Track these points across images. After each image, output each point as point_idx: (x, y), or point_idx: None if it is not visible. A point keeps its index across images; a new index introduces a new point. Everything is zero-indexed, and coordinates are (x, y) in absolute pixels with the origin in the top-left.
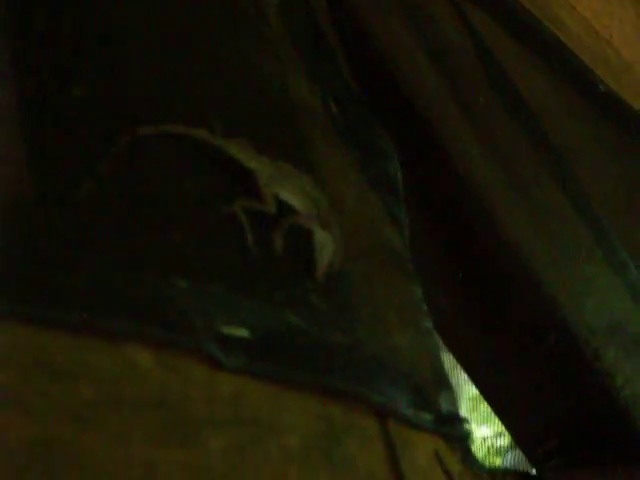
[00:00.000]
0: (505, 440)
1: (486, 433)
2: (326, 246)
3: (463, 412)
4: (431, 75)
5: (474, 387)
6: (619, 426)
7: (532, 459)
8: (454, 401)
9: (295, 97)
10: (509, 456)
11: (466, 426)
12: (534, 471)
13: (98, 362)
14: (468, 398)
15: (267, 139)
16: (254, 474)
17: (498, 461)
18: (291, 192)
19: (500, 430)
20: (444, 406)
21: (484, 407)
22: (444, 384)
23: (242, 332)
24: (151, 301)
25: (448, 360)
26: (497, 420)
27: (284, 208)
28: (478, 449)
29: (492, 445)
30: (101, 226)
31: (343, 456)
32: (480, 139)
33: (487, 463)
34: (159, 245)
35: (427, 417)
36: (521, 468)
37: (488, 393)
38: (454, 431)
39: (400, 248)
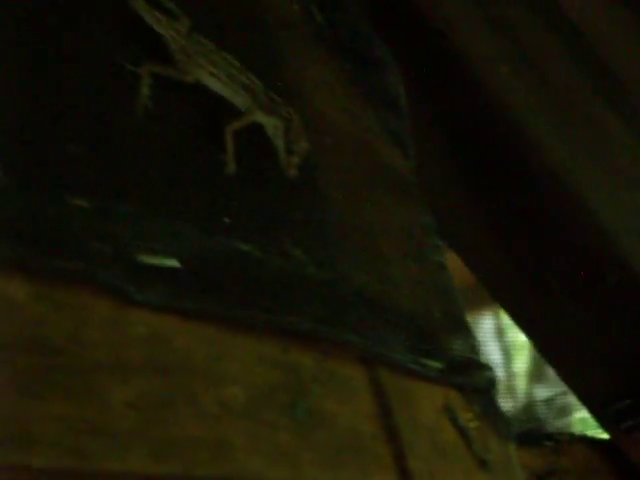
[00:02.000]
0: (570, 400)
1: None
2: (278, 134)
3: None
4: None
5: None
6: None
7: (601, 421)
8: (472, 345)
9: (265, 1)
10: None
11: (487, 375)
12: (604, 435)
13: None
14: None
15: (230, 40)
16: (175, 434)
17: (562, 424)
18: (210, 73)
19: (564, 389)
20: (458, 352)
21: (542, 363)
22: (458, 326)
23: (168, 261)
24: (33, 221)
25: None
26: (559, 378)
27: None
28: (538, 410)
29: (555, 406)
30: None
31: (313, 411)
32: (511, 55)
33: (550, 427)
34: (55, 155)
35: (434, 365)
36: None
37: (546, 348)
38: (470, 381)
39: (401, 169)
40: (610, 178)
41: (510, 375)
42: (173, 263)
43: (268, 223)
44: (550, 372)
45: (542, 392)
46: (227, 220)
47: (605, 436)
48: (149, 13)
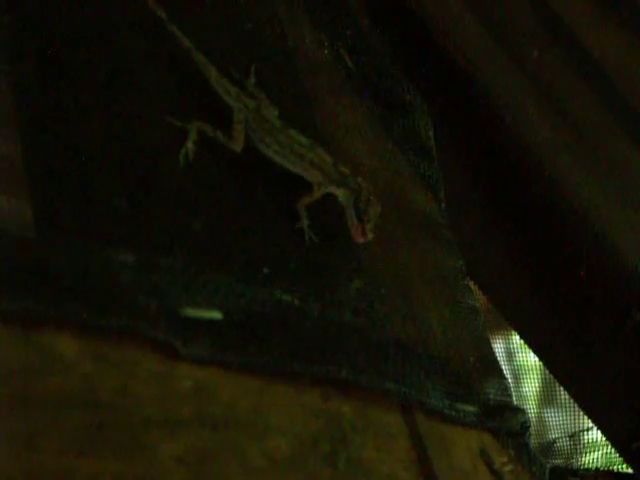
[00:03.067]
0: (594, 436)
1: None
2: (349, 204)
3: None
4: (474, 23)
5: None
6: None
7: (626, 456)
8: (505, 389)
9: (295, 46)
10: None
11: (521, 418)
12: (629, 469)
13: (2, 353)
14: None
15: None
16: None
17: (586, 459)
18: (275, 152)
19: (588, 425)
20: (492, 395)
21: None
22: (492, 369)
23: (211, 314)
24: (80, 277)
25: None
26: (583, 413)
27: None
28: (561, 446)
29: (579, 442)
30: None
31: (354, 460)
32: (536, 94)
33: (575, 462)
34: (99, 209)
35: (469, 409)
36: (614, 467)
37: (571, 384)
38: (505, 425)
39: (433, 213)
40: (635, 215)
41: (520, 398)
42: (216, 315)
43: (306, 271)
44: (561, 395)
45: (552, 415)
46: (266, 270)
47: (630, 471)
48: (220, 84)
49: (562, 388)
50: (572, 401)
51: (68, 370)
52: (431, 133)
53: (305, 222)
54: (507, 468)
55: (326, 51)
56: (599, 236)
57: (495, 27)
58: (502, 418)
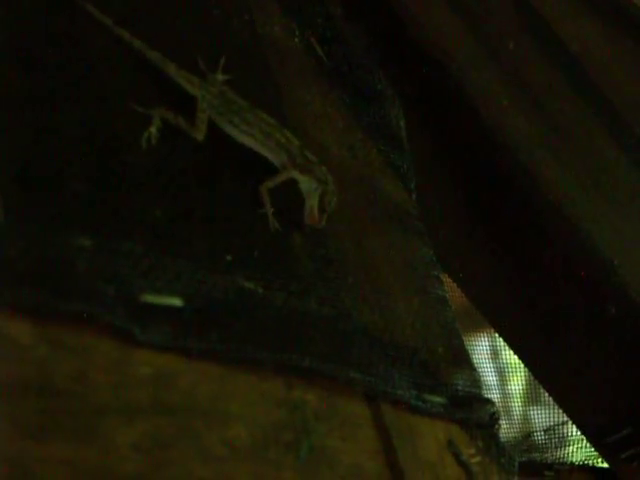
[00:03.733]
0: (569, 430)
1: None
2: (312, 194)
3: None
4: (448, 13)
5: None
6: None
7: (601, 451)
8: (475, 380)
9: (264, 34)
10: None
11: (490, 409)
12: (604, 464)
13: None
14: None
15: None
16: (180, 475)
17: (562, 454)
18: (243, 131)
19: (563, 419)
20: (461, 386)
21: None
22: (461, 360)
23: (172, 300)
24: (36, 261)
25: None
26: (558, 408)
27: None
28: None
29: (555, 436)
30: None
31: (317, 449)
32: (511, 86)
33: (550, 456)
34: (57, 193)
35: (436, 400)
36: (589, 461)
37: (545, 378)
38: (474, 416)
39: (404, 203)
40: (611, 209)
41: (505, 396)
42: (176, 302)
43: (270, 259)
44: (546, 393)
45: (538, 413)
46: (229, 257)
47: (605, 465)
48: (181, 76)
49: None
50: None
51: (22, 355)
52: (402, 123)
53: (269, 208)
54: (475, 460)
55: (296, 39)
56: (574, 229)
57: (470, 17)
58: (470, 409)
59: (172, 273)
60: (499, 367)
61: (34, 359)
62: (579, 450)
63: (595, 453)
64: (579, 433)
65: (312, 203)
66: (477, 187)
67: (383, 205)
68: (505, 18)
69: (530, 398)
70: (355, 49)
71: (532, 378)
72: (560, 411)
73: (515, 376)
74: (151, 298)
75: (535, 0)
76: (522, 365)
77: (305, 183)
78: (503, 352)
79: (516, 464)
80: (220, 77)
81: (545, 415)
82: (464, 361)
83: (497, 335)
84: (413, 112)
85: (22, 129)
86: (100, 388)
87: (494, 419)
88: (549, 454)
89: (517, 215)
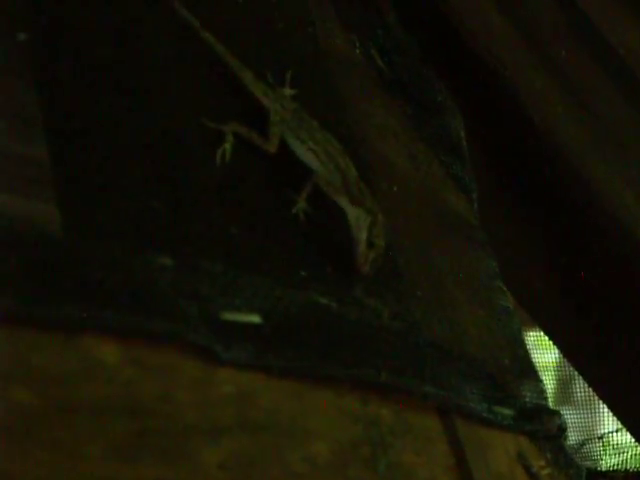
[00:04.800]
0: (623, 437)
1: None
2: (361, 226)
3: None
4: (502, 23)
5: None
6: None
7: None
8: (541, 391)
9: (326, 46)
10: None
11: (557, 421)
12: None
13: (40, 359)
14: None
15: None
16: None
17: (616, 461)
18: (309, 148)
19: (618, 426)
20: (528, 398)
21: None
22: (528, 372)
23: (251, 317)
24: (120, 282)
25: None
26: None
27: (299, 166)
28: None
29: (609, 443)
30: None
31: (394, 464)
32: (564, 94)
33: (603, 464)
34: (136, 211)
35: (506, 412)
36: None
37: (598, 385)
38: (542, 428)
39: (467, 215)
40: None
41: None
42: (255, 319)
43: (342, 274)
44: (577, 394)
45: (568, 413)
46: (304, 273)
47: None
48: (257, 87)
49: (578, 387)
50: (588, 400)
51: (109, 376)
52: (463, 133)
53: (302, 204)
54: (545, 472)
55: (357, 51)
56: (628, 236)
57: (523, 26)
58: (539, 421)
59: (250, 290)
60: None
61: (121, 380)
62: (633, 457)
63: None
64: (633, 440)
65: (360, 237)
66: (532, 194)
67: (446, 217)
68: (557, 26)
69: (560, 398)
70: (414, 59)
71: (563, 379)
72: (592, 411)
73: (545, 376)
74: (231, 316)
75: (585, 6)
76: (553, 366)
77: (353, 215)
78: (534, 352)
79: (584, 475)
80: (288, 92)
81: (576, 415)
82: (530, 372)
83: (527, 335)
84: (467, 121)
85: (95, 146)
86: (186, 407)
87: (561, 430)
88: (603, 461)
89: (571, 220)
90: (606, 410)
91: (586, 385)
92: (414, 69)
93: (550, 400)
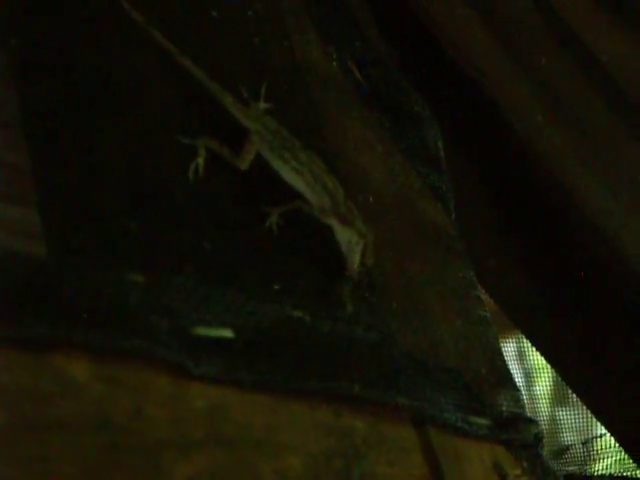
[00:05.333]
0: (607, 442)
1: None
2: (354, 250)
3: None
4: (481, 32)
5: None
6: None
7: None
8: (518, 400)
9: (303, 59)
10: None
11: (534, 429)
12: None
13: (11, 377)
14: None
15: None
16: None
17: (600, 466)
18: (293, 169)
19: (601, 431)
20: (505, 407)
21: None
22: (504, 380)
23: (223, 332)
24: (91, 299)
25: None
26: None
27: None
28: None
29: (592, 448)
30: None
31: (367, 475)
32: (545, 101)
33: (586, 469)
34: (109, 228)
35: (481, 422)
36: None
37: (582, 390)
38: (519, 437)
39: (444, 225)
40: None
41: (532, 398)
42: (227, 334)
43: (315, 287)
44: (573, 395)
45: (565, 414)
46: (276, 286)
47: None
48: (237, 109)
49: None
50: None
51: (80, 393)
52: (440, 143)
53: (274, 217)
54: None
55: (334, 63)
56: (610, 242)
57: (503, 35)
58: (515, 430)
59: (222, 304)
60: (525, 369)
61: (92, 397)
62: (617, 462)
63: (634, 464)
64: (617, 445)
65: (353, 257)
66: (512, 201)
67: (423, 227)
68: (537, 34)
69: (557, 399)
70: (392, 71)
71: (558, 380)
72: (588, 412)
73: (541, 378)
74: (203, 331)
75: (565, 14)
76: (548, 367)
77: (343, 235)
78: (529, 354)
79: None
80: (262, 105)
81: (572, 416)
82: (507, 381)
83: (523, 337)
84: (447, 131)
85: (69, 164)
86: (157, 423)
87: (538, 439)
88: (587, 466)
89: (552, 227)
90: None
91: None
92: (391, 80)
93: (546, 401)
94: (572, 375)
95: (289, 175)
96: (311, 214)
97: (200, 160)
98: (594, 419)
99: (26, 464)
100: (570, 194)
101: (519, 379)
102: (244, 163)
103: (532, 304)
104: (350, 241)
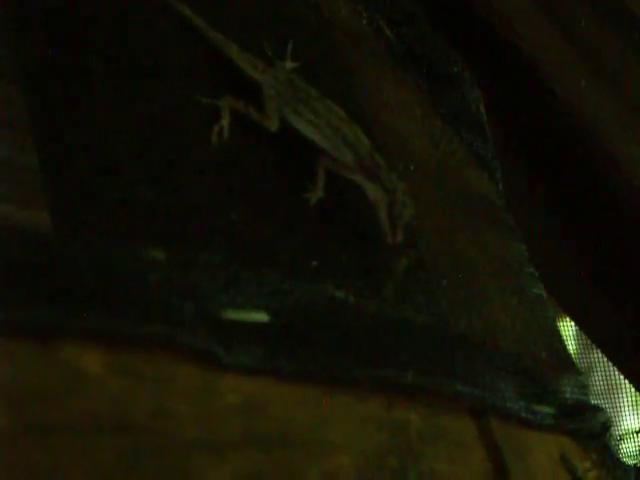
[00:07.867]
0: None
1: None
2: (380, 207)
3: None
4: None
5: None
6: None
7: None
8: (582, 386)
9: (332, 18)
10: None
11: (601, 417)
12: None
13: (13, 372)
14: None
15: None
16: None
17: None
18: (309, 121)
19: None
20: (569, 394)
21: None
22: (566, 364)
23: (257, 316)
24: (104, 280)
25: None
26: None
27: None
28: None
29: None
30: None
31: (425, 474)
32: (585, 64)
33: None
34: (122, 200)
35: (546, 410)
36: None
37: (633, 374)
38: (586, 426)
39: (492, 196)
40: None
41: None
42: (262, 317)
43: (359, 263)
44: (597, 385)
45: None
46: (315, 263)
47: None
48: (243, 59)
49: (596, 378)
50: (607, 391)
51: (94, 390)
52: (482, 107)
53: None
54: (591, 474)
55: (364, 22)
56: None
57: None
58: (582, 419)
59: (255, 284)
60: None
61: (107, 394)
62: None
63: None
64: None
65: (381, 216)
66: (556, 171)
67: (470, 198)
68: None
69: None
70: (426, 31)
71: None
72: (610, 402)
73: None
74: (234, 314)
75: None
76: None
77: (372, 191)
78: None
79: (632, 476)
80: (289, 65)
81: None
82: (569, 365)
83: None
84: (486, 96)
85: (84, 130)
86: (185, 422)
87: (606, 428)
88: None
89: (597, 198)
90: (626, 402)
91: (605, 377)
92: (426, 40)
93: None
94: (624, 362)
95: (305, 129)
96: (336, 172)
97: (224, 122)
98: (617, 410)
99: (32, 474)
100: (614, 160)
101: None
102: (272, 122)
103: (582, 287)
104: (376, 199)
